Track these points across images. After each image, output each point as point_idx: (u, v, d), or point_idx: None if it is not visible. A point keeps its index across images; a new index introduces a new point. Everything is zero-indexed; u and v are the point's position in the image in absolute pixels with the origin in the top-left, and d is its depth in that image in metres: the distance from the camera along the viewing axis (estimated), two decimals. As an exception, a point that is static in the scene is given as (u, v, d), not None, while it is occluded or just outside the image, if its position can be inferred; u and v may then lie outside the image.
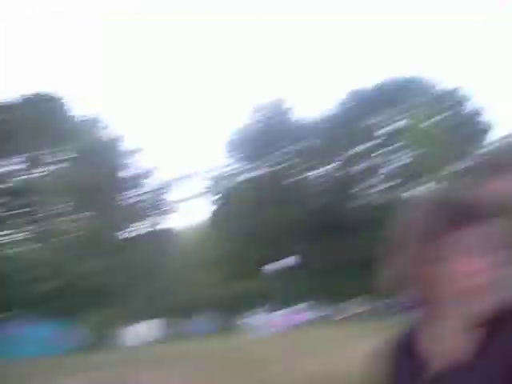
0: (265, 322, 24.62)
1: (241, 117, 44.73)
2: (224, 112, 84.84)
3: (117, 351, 22.99)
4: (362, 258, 34.98)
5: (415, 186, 42.59)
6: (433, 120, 40.62)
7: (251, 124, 42.49)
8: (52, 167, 31.61)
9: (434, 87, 44.43)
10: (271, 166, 42.31)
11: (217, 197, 42.06)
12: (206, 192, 40.30)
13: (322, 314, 30.16)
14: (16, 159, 38.64)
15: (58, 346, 24.82)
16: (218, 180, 41.72)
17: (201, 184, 37.62)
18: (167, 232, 28.99)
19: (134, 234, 19.61)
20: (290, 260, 31.00)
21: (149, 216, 19.61)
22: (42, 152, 36.39)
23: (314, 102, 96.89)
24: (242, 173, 42.85)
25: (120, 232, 19.14)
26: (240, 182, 42.20)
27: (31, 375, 14.45)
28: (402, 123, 40.47)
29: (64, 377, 13.11)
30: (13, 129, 35.28)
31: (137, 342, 17.67)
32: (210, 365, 13.15)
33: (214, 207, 42.27)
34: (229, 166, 42.60)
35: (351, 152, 43.20)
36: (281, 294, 32.58)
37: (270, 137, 40.33)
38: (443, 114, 41.53)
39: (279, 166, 41.73)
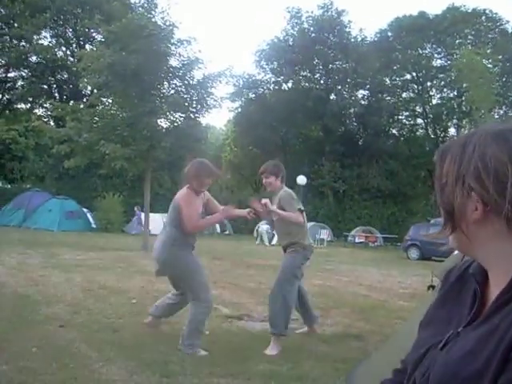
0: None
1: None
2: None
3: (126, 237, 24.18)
4: (376, 189, 36.20)
5: (448, 127, 41.40)
6: (490, 59, 35.54)
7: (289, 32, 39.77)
8: (95, 46, 32.08)
9: (500, 23, 40.04)
10: (303, 81, 40.18)
11: (241, 103, 40.86)
12: (233, 95, 38.71)
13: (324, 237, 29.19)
14: (55, 33, 38.89)
15: (71, 224, 25.69)
16: (245, 86, 39.96)
17: (232, 85, 35.99)
18: (203, 127, 28.42)
19: (171, 125, 19.49)
20: (302, 178, 30.59)
21: (190, 108, 19.11)
22: (84, 29, 36.75)
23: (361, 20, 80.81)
24: (269, 83, 41.44)
25: (158, 120, 19.17)
26: (266, 93, 41.07)
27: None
28: (453, 57, 36.89)
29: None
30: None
31: (145, 231, 18.29)
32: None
33: (238, 113, 41.27)
34: (258, 74, 40.86)
35: (388, 81, 40.61)
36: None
37: (307, 49, 37.40)
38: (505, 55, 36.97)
39: (311, 84, 39.33)
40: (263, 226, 26.24)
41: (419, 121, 42.29)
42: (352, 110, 38.52)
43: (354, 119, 39.96)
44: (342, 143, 37.57)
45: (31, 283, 8.67)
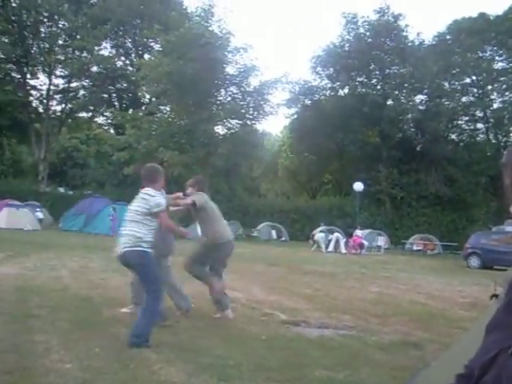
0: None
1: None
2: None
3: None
4: (434, 195, 35.32)
5: (510, 132, 39.90)
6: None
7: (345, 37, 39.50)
8: (153, 55, 32.31)
9: None
10: (359, 86, 39.68)
11: (297, 109, 40.83)
12: (289, 102, 38.78)
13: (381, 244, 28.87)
14: (115, 44, 40.07)
15: None
16: (301, 92, 39.88)
17: (288, 92, 36.54)
18: (260, 134, 27.74)
19: (228, 131, 19.19)
20: (359, 185, 30.73)
21: (247, 115, 18.79)
22: (143, 39, 37.36)
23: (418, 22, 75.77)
24: (325, 89, 41.48)
25: (215, 127, 18.91)
26: (322, 99, 41.09)
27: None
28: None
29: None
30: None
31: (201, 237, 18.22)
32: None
33: (294, 119, 41.47)
34: (314, 80, 40.77)
35: (447, 85, 39.34)
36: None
37: (362, 55, 37.28)
38: None
39: (367, 89, 38.53)
40: (319, 234, 26.09)
41: (480, 125, 41.20)
42: (409, 116, 37.87)
43: (411, 125, 39.29)
44: (399, 149, 37.01)
45: (92, 286, 8.92)
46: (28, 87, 37.77)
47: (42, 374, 4.12)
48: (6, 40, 34.39)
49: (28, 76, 37.63)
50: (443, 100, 38.43)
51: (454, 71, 39.18)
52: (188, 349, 5.19)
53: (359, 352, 5.59)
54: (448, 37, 40.22)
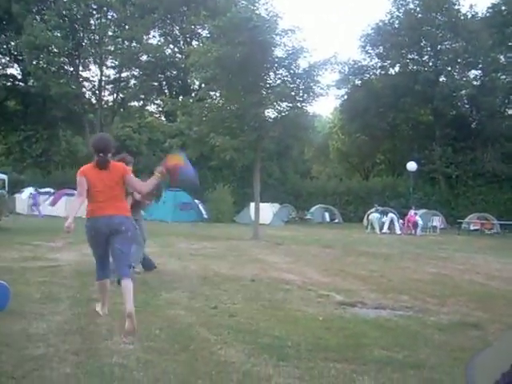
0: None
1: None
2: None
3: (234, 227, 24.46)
4: (491, 173, 34.37)
5: None
6: None
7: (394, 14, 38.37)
8: (201, 41, 32.33)
9: None
10: (410, 64, 38.68)
11: (347, 90, 40.30)
12: (339, 83, 38.32)
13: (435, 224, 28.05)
14: (163, 32, 40.21)
15: (184, 215, 27.06)
16: (350, 72, 39.43)
17: (337, 73, 35.63)
18: (310, 116, 27.07)
19: (279, 115, 18.75)
20: (412, 165, 29.83)
21: (297, 97, 18.31)
22: (190, 26, 37.28)
23: None
24: (375, 69, 40.41)
25: (266, 110, 18.52)
26: (372, 79, 40.35)
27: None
28: None
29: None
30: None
31: (255, 220, 18.51)
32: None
33: (345, 100, 40.92)
34: (364, 59, 39.88)
35: (503, 58, 37.33)
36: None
37: (412, 32, 36.25)
38: None
39: (419, 67, 37.63)
40: (374, 214, 25.81)
41: (539, 100, 39.64)
42: (463, 92, 36.78)
43: (465, 101, 38.17)
44: (453, 127, 36.11)
45: (150, 271, 9.12)
46: (81, 79, 38.55)
47: (106, 355, 4.27)
48: (59, 34, 35.12)
49: (80, 68, 38.40)
50: (499, 74, 37.13)
51: (511, 43, 37.78)
52: (246, 330, 5.26)
53: (418, 333, 5.54)
54: (503, 8, 38.73)
